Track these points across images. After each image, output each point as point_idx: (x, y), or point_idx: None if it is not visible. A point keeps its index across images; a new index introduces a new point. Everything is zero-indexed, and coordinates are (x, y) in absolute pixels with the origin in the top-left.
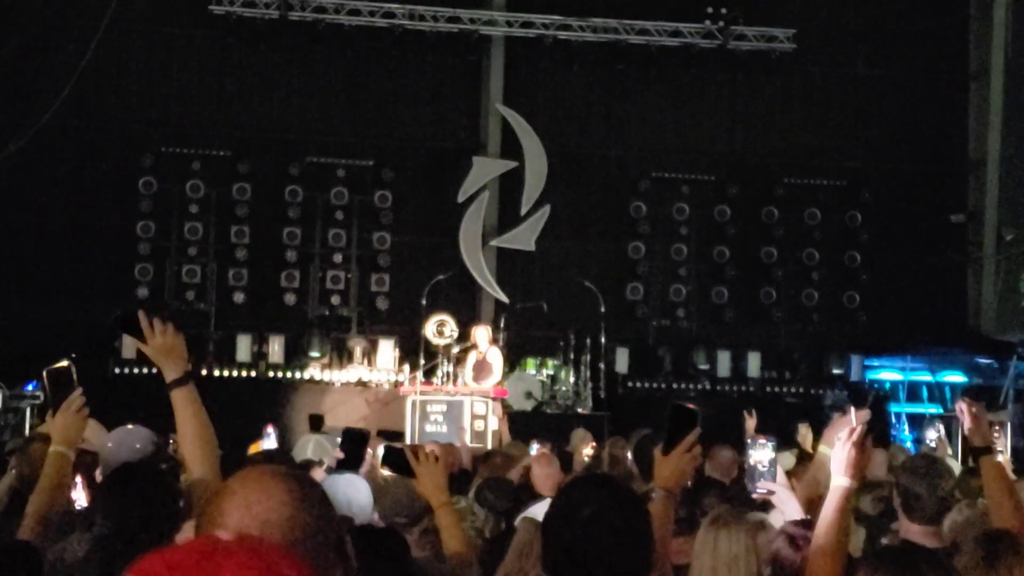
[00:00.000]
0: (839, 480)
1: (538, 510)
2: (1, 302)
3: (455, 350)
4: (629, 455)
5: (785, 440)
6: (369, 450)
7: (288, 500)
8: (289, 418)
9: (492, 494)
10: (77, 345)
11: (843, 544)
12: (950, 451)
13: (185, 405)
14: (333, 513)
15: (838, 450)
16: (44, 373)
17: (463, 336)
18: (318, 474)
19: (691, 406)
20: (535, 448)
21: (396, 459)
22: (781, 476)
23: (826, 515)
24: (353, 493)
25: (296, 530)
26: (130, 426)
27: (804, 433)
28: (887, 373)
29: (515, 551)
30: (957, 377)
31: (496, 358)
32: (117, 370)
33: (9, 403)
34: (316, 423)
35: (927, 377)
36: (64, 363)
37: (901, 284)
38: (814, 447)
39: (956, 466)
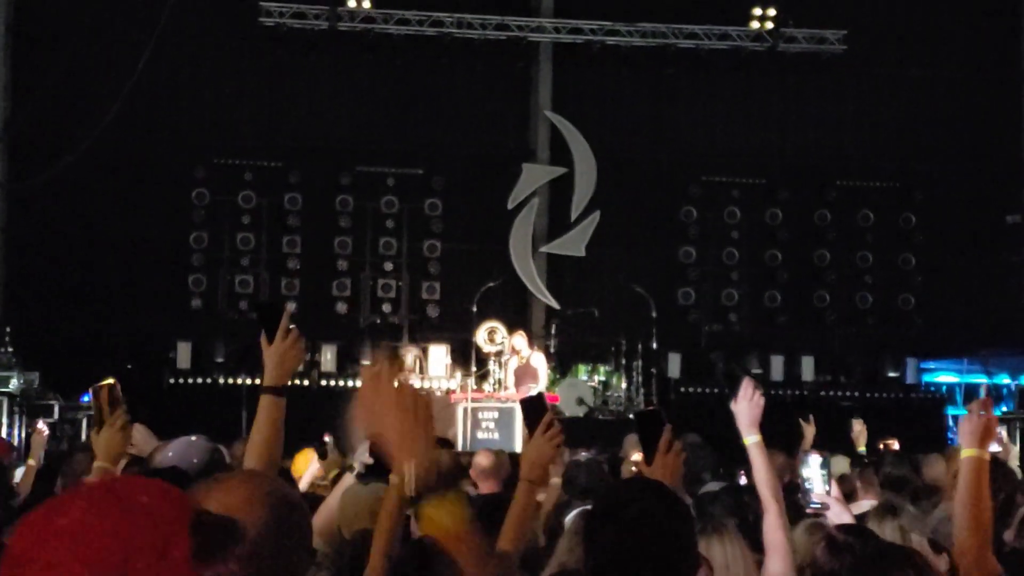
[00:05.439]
0: (969, 451)
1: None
2: (56, 314)
3: (505, 357)
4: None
5: (838, 445)
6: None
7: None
8: (342, 427)
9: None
10: (132, 356)
11: (985, 515)
12: (1016, 451)
13: (269, 413)
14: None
15: (965, 422)
16: (91, 391)
17: None
18: (347, 479)
19: (651, 407)
20: (582, 455)
21: (535, 408)
22: (835, 489)
23: (962, 487)
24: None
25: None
26: (193, 437)
27: (859, 430)
28: (944, 376)
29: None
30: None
31: (540, 363)
32: (172, 380)
33: (65, 414)
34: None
35: (984, 380)
36: (110, 381)
37: (956, 286)
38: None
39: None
